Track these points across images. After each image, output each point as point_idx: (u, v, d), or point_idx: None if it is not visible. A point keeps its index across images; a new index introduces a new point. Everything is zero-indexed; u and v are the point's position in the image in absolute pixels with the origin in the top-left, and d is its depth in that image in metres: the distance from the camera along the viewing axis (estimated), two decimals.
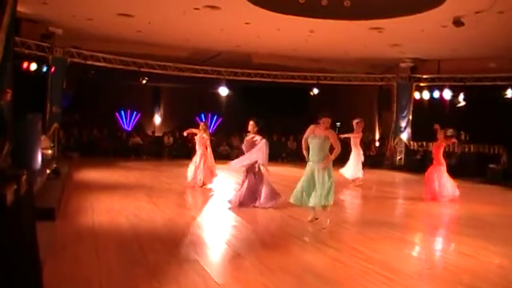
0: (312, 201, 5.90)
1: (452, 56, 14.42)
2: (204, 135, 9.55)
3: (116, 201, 7.38)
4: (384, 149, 17.26)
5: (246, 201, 7.11)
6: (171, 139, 18.15)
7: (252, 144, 7.17)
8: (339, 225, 6.17)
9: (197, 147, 9.58)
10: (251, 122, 7.29)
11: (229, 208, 7.04)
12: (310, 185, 5.90)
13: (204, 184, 9.37)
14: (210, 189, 9.17)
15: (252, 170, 7.20)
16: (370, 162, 14.23)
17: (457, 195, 8.58)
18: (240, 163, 7.31)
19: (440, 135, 8.67)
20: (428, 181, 8.65)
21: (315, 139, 5.92)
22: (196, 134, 9.62)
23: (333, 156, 5.86)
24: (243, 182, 7.23)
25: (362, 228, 6.16)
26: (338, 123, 15.89)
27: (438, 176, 8.51)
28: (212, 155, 9.69)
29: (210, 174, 9.48)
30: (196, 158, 9.46)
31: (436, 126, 8.65)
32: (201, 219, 6.46)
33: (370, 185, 10.90)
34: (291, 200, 6.08)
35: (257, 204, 7.11)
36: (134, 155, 17.00)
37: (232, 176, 10.87)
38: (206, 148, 9.53)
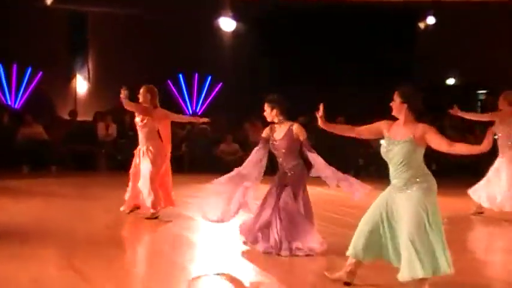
0: (396, 260, 6.63)
1: None
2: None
3: None
4: None
5: (256, 239, 8.67)
6: (113, 128, 18.85)
7: (294, 140, 8.45)
8: None
9: (140, 141, 10.91)
10: (266, 105, 8.62)
11: (243, 243, 8.77)
12: (389, 228, 6.66)
13: (136, 207, 10.92)
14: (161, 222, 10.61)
15: (286, 183, 8.52)
16: None
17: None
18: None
19: None
20: None
21: (394, 146, 6.60)
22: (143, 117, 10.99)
23: (468, 148, 6.67)
24: (264, 203, 8.69)
25: None
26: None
27: None
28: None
29: (165, 195, 10.85)
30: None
31: None
32: None
33: None
34: (350, 254, 6.92)
35: (279, 251, 8.41)
36: (30, 163, 17.71)
37: None
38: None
